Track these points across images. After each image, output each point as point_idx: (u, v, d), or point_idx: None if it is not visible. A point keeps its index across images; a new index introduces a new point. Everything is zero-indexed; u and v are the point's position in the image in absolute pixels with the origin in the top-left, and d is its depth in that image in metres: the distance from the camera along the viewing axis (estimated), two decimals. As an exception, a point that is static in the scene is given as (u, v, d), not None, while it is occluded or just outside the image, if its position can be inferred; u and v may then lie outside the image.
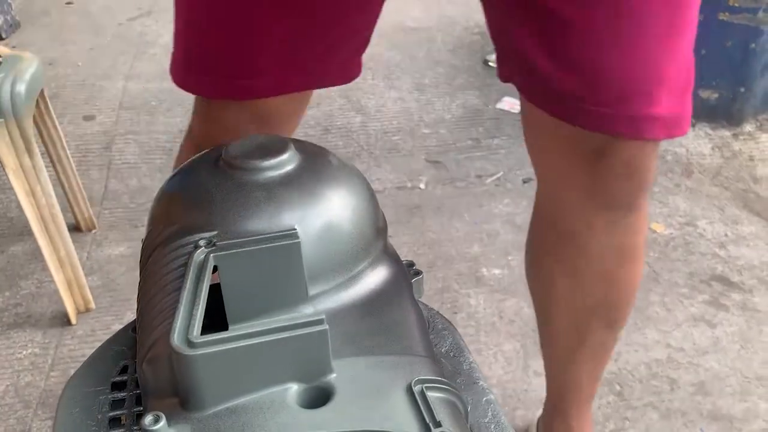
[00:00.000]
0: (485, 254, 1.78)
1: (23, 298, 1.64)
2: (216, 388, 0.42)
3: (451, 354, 0.61)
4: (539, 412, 1.27)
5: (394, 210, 1.94)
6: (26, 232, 1.67)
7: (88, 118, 2.32)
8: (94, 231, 1.85)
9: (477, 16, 3.07)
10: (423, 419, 0.42)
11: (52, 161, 1.72)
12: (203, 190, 0.56)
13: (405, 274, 0.61)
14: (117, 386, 0.56)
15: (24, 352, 1.49)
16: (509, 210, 1.95)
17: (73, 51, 2.77)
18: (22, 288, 1.66)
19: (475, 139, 2.26)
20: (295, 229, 0.51)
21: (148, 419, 0.41)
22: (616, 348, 1.46)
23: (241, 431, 0.41)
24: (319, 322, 0.43)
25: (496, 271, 1.72)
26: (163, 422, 0.41)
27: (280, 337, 0.42)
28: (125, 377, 0.57)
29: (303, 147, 0.60)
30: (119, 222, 1.90)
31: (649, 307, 1.60)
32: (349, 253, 0.55)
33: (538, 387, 1.39)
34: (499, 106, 2.40)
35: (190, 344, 0.41)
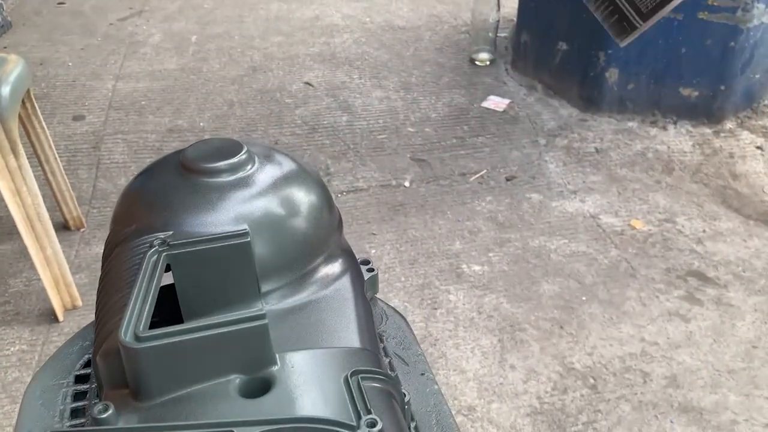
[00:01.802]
0: (466, 251, 1.81)
1: (11, 296, 1.66)
2: (162, 379, 0.45)
3: (401, 347, 0.64)
4: (514, 402, 1.30)
5: (378, 208, 1.97)
6: (14, 231, 1.68)
7: (78, 117, 2.34)
8: (82, 230, 1.88)
9: (465, 14, 3.09)
10: (356, 407, 0.45)
11: (39, 161, 1.75)
12: (161, 192, 0.59)
13: (358, 270, 0.63)
14: (80, 379, 0.59)
15: (12, 349, 1.52)
16: (491, 207, 1.98)
17: (64, 51, 2.79)
18: (11, 286, 1.69)
19: (459, 137, 2.29)
20: (246, 230, 0.54)
21: (97, 408, 0.44)
22: (591, 342, 1.50)
23: (184, 419, 0.44)
24: (260, 317, 0.46)
25: (477, 268, 1.75)
26: (111, 411, 0.44)
27: (221, 331, 0.45)
28: (89, 370, 0.60)
29: (259, 150, 0.63)
30: (107, 221, 1.91)
31: (625, 302, 1.63)
32: (301, 253, 0.58)
33: (513, 380, 1.42)
34: (484, 104, 2.43)
35: (138, 338, 0.44)
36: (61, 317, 1.58)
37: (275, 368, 0.47)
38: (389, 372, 0.55)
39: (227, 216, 0.56)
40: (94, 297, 1.74)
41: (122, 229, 0.58)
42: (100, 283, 0.56)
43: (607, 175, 2.10)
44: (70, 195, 1.83)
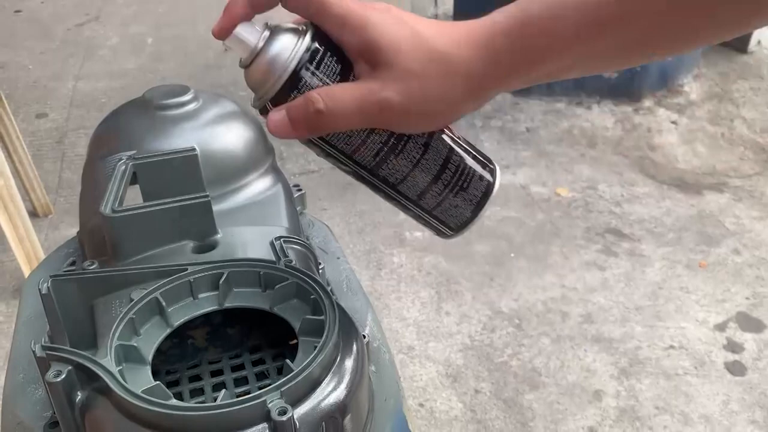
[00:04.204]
0: (409, 220, 1.97)
1: (-14, 276, 1.78)
2: (133, 242, 0.61)
3: (323, 243, 0.81)
4: (448, 341, 1.48)
5: (328, 187, 2.14)
6: (-14, 216, 1.81)
7: (41, 115, 2.46)
8: (50, 216, 2.00)
9: (405, 5, 3.28)
10: (278, 256, 0.62)
11: (8, 152, 1.87)
12: (127, 124, 0.75)
13: (288, 186, 0.80)
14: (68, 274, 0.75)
15: (-11, 321, 1.64)
16: (433, 182, 2.16)
17: (24, 55, 2.90)
18: (-16, 267, 1.81)
19: (403, 122, 2.47)
20: (194, 147, 0.70)
21: (86, 264, 0.60)
22: (518, 290, 1.69)
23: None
24: (204, 196, 0.63)
25: (418, 234, 1.93)
26: (96, 265, 0.60)
27: (176, 205, 0.62)
28: (73, 268, 0.75)
29: (205, 94, 0.80)
30: (74, 208, 2.04)
31: (549, 256, 1.83)
32: (238, 168, 0.75)
33: (448, 324, 1.60)
34: (426, 92, 2.62)
35: (114, 211, 0.61)
36: (34, 291, 1.70)
37: (219, 236, 0.64)
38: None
39: (179, 140, 0.72)
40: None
41: (97, 153, 0.74)
42: (81, 190, 0.72)
43: (537, 151, 2.31)
44: (38, 183, 1.96)
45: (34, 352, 0.49)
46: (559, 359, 1.51)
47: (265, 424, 0.45)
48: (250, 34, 0.45)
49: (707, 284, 1.74)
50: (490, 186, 0.51)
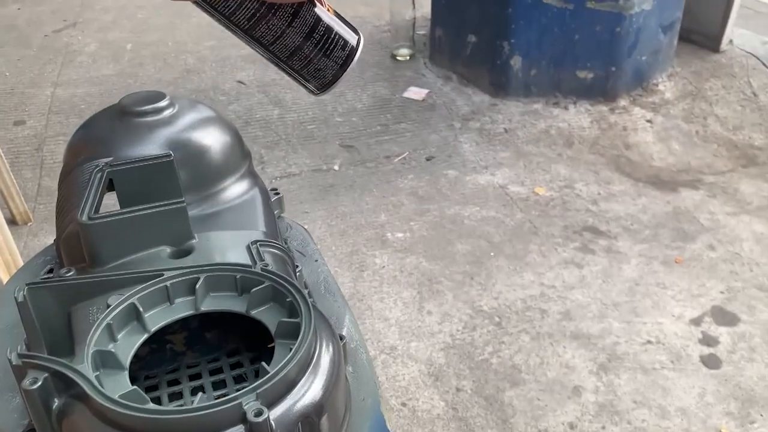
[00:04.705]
0: (391, 222, 2.00)
1: (-36, 285, 1.77)
2: (110, 249, 0.62)
3: (301, 246, 0.82)
4: (430, 341, 1.49)
5: (310, 190, 2.15)
6: (-37, 225, 1.79)
7: (19, 123, 2.44)
8: (30, 224, 1.99)
9: (386, 15, 3.31)
10: (254, 259, 0.62)
11: (-16, 159, 1.86)
12: (103, 131, 0.76)
13: (264, 190, 0.81)
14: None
15: (-32, 331, 1.63)
16: (413, 184, 2.18)
17: (0, 62, 2.87)
18: (-37, 276, 1.79)
19: (383, 124, 2.49)
20: (170, 153, 0.71)
21: (63, 270, 0.61)
22: (498, 289, 1.71)
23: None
24: (180, 201, 0.63)
25: (400, 235, 1.94)
26: (73, 272, 0.60)
27: (151, 211, 0.62)
28: (50, 275, 0.76)
29: (181, 100, 0.80)
30: (53, 215, 2.03)
31: (527, 255, 1.85)
32: (214, 173, 0.76)
33: (430, 323, 1.61)
34: (405, 94, 2.63)
35: (90, 218, 0.61)
36: (14, 300, 1.69)
37: (195, 241, 0.65)
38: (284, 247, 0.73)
39: (155, 145, 0.73)
40: (45, 279, 1.81)
41: (73, 160, 0.75)
42: (58, 197, 0.73)
43: (515, 151, 2.33)
44: (16, 191, 1.94)
45: (10, 360, 0.50)
46: (538, 356, 1.53)
47: (241, 426, 0.46)
48: None
49: (683, 279, 1.77)
50: (351, 53, 0.58)
